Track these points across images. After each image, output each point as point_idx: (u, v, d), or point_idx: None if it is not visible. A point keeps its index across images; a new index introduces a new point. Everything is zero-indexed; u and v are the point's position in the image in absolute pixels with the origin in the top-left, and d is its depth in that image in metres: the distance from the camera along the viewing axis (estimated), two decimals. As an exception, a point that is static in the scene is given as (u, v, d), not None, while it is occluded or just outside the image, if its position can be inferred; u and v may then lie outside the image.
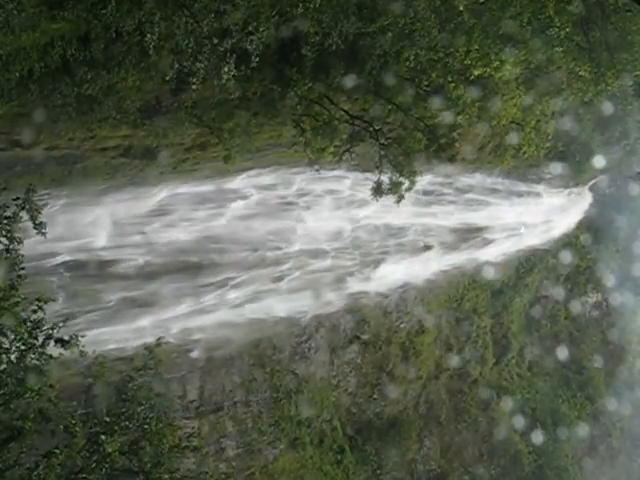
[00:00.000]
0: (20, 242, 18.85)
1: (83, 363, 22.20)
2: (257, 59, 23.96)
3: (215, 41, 22.93)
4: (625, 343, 52.62)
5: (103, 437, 19.84)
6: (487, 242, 43.34)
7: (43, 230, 19.64)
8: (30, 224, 19.61)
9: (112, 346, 29.43)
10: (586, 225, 48.77)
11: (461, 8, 25.49)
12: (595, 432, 50.25)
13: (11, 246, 18.64)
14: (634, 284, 50.09)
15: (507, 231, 44.13)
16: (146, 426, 20.78)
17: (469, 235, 42.62)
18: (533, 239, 45.82)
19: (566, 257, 47.97)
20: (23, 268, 19.24)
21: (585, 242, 49.37)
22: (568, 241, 47.83)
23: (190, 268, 33.39)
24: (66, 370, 23.16)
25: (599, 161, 44.79)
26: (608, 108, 37.80)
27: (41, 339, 19.50)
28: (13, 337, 18.97)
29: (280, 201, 35.33)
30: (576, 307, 50.41)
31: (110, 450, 19.55)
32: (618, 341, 52.24)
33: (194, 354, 33.60)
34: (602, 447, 51.17)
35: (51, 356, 19.60)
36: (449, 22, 26.92)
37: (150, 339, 23.20)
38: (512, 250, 44.97)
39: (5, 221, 18.57)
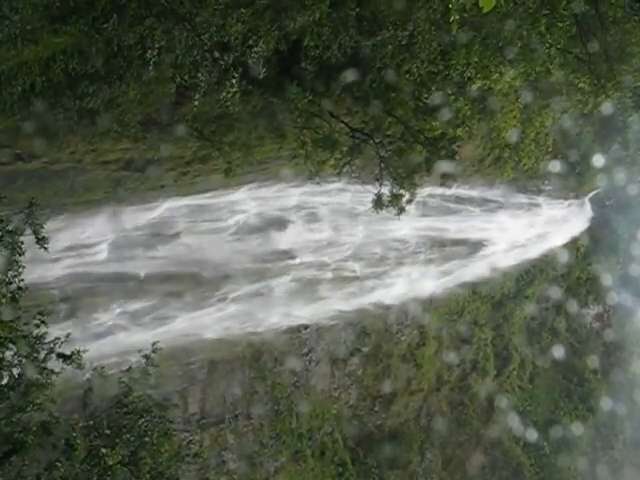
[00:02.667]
0: (22, 254, 18.88)
1: (84, 375, 22.21)
2: (263, 73, 24.10)
3: (216, 55, 23.03)
4: (627, 355, 52.56)
5: (104, 450, 19.83)
6: (487, 254, 43.39)
7: (45, 245, 19.67)
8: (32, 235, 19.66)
9: (113, 359, 29.44)
10: (586, 236, 48.82)
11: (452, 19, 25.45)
12: (597, 444, 50.15)
13: (13, 257, 18.67)
14: (635, 295, 50.07)
15: (507, 243, 44.20)
16: (147, 439, 20.79)
17: (470, 247, 42.68)
18: (533, 250, 45.87)
19: (566, 268, 48.01)
20: (23, 280, 19.25)
21: (585, 253, 49.41)
22: (568, 252, 47.84)
23: (191, 281, 33.42)
24: (67, 382, 23.13)
25: (599, 172, 44.89)
26: (608, 119, 37.91)
27: (43, 354, 19.54)
28: (15, 351, 18.98)
29: (281, 213, 35.40)
30: (577, 318, 50.38)
31: (111, 463, 19.53)
32: (620, 352, 52.19)
33: (195, 365, 33.65)
34: (604, 459, 51.01)
35: (52, 371, 19.62)
36: (449, 35, 26.99)
37: (148, 350, 23.24)
38: (512, 262, 45.01)
39: (7, 235, 18.59)
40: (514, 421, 46.06)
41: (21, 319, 19.00)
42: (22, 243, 19.10)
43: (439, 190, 38.14)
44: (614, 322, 51.67)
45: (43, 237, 19.45)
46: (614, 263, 50.33)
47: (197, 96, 23.60)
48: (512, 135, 37.67)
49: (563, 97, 33.92)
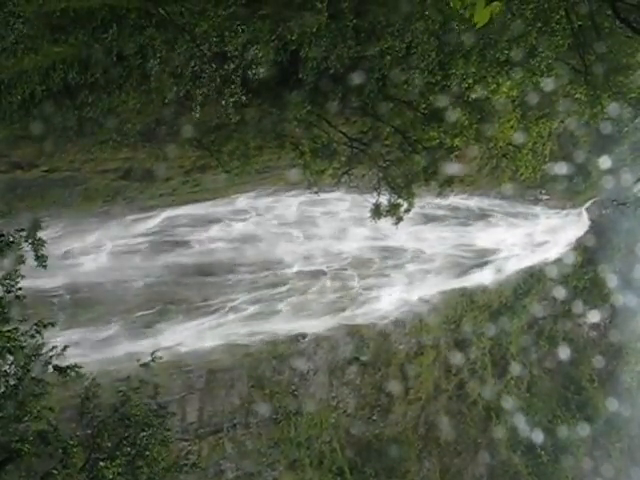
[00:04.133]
0: (22, 262, 18.91)
1: (82, 384, 22.21)
2: (260, 79, 24.19)
3: (215, 65, 23.11)
4: (624, 363, 52.60)
5: (102, 463, 19.82)
6: (485, 264, 43.43)
7: (44, 263, 19.64)
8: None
9: (112, 367, 29.44)
10: (583, 246, 48.91)
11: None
12: (595, 452, 50.13)
13: (12, 268, 18.70)
14: (634, 304, 50.11)
15: (505, 252, 44.26)
16: (147, 452, 20.76)
17: (467, 257, 42.73)
18: (531, 260, 45.95)
19: (564, 277, 48.06)
20: (20, 288, 19.25)
21: (582, 262, 49.48)
22: (565, 262, 47.92)
23: (189, 290, 33.44)
24: (65, 391, 23.13)
25: (596, 182, 45.01)
26: (604, 130, 38.04)
27: (40, 364, 19.54)
28: (12, 361, 18.99)
29: (279, 222, 35.46)
30: (574, 327, 50.42)
31: (110, 477, 19.51)
32: (617, 361, 52.23)
33: (194, 374, 33.67)
34: (602, 468, 50.99)
35: (49, 383, 19.63)
36: (447, 45, 27.08)
37: (147, 360, 23.25)
38: (510, 271, 45.07)
39: (7, 247, 18.62)
40: (512, 430, 46.06)
41: (19, 329, 19.00)
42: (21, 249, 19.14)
43: (436, 200, 38.26)
44: (610, 332, 51.73)
45: (42, 255, 19.41)
46: (610, 272, 50.40)
47: (196, 106, 23.67)
48: (509, 145, 37.74)
49: (560, 107, 34.01)
